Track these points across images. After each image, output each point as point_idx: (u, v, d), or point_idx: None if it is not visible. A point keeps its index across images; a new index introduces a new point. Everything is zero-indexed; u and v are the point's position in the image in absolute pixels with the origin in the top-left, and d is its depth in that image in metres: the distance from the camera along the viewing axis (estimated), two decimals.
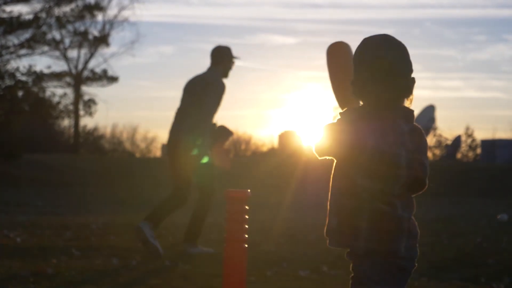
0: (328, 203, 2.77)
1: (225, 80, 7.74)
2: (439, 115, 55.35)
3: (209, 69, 7.79)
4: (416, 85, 2.74)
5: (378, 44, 2.74)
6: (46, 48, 33.93)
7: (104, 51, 45.10)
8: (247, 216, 2.93)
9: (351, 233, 2.68)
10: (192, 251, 7.56)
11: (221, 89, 7.60)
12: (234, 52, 7.85)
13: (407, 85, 2.73)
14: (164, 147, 46.02)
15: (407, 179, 2.67)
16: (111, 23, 43.67)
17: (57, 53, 40.60)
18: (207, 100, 7.51)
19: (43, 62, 59.21)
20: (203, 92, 7.55)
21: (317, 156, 2.78)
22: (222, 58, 7.77)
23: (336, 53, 3.09)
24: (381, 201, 2.65)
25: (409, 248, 2.69)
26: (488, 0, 58.90)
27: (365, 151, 2.64)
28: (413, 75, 2.74)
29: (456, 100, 60.58)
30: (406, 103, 2.76)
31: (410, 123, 2.73)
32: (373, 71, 2.70)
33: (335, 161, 2.76)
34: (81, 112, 41.41)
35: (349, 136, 2.67)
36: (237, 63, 7.97)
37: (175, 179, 7.56)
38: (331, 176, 2.79)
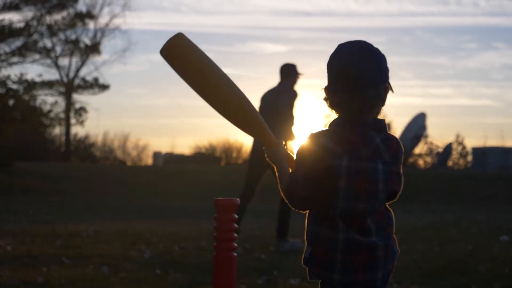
0: (305, 231, 2.64)
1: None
2: (430, 122, 55.62)
3: (280, 84, 8.88)
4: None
5: (349, 51, 2.59)
6: (37, 56, 33.95)
7: (95, 59, 45.13)
8: (236, 225, 2.95)
9: (325, 265, 2.56)
10: (284, 247, 8.52)
11: (293, 96, 8.66)
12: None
13: (378, 95, 2.59)
14: (159, 155, 46.02)
15: (385, 194, 2.59)
16: (103, 31, 43.79)
17: (48, 61, 40.64)
18: (282, 108, 8.54)
19: (34, 70, 59.44)
20: (277, 102, 8.61)
21: (292, 206, 2.63)
22: (289, 74, 8.88)
23: (176, 57, 2.76)
24: (357, 227, 2.54)
25: (385, 275, 2.59)
26: (478, 8, 59.17)
27: (341, 174, 2.53)
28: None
29: (447, 108, 60.79)
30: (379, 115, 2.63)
31: (382, 132, 2.60)
32: (340, 79, 2.57)
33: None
34: (73, 120, 41.39)
35: (321, 164, 2.53)
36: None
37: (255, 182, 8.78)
38: None
